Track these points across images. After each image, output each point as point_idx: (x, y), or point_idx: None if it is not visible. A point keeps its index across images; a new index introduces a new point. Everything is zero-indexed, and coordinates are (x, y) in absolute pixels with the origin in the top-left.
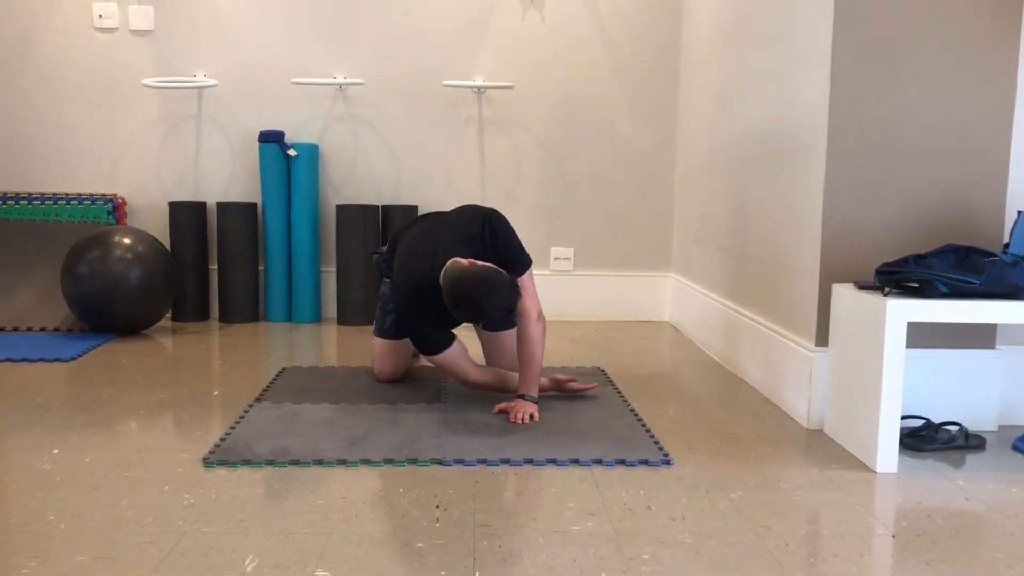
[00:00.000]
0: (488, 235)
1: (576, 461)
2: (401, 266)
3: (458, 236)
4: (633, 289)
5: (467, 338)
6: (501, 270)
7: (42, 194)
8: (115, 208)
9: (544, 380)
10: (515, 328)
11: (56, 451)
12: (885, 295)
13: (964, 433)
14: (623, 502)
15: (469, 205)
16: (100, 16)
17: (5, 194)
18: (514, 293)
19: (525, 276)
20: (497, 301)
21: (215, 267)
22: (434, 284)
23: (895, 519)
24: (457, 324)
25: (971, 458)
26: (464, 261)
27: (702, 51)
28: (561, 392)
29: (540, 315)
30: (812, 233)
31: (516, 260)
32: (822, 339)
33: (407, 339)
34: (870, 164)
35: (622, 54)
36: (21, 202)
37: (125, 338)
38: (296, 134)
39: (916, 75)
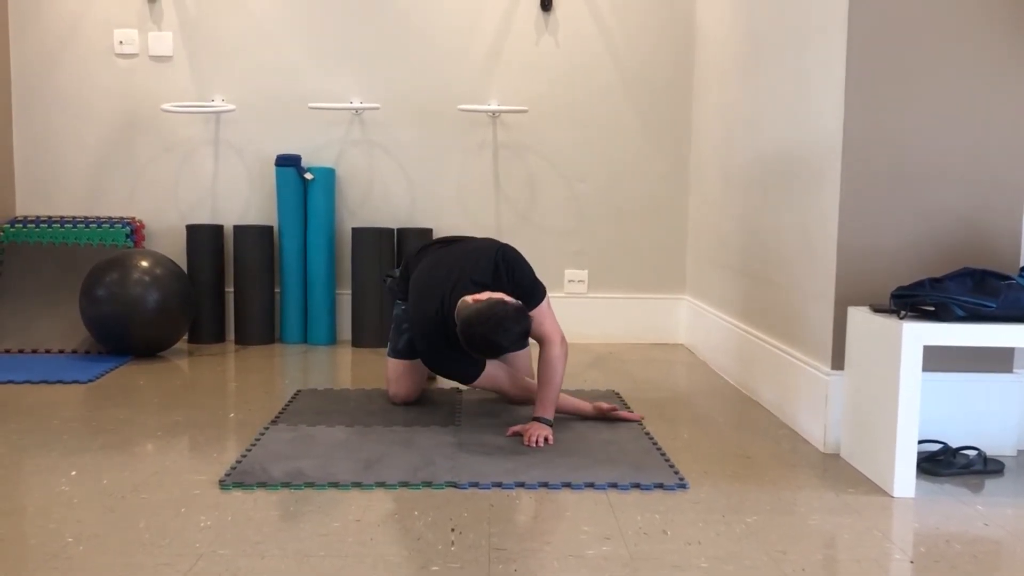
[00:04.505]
0: (504, 272)
1: (591, 485)
2: (415, 305)
3: (470, 274)
4: (647, 311)
5: None
6: (507, 299)
7: (61, 217)
8: (133, 231)
9: (588, 407)
10: (524, 349)
11: (74, 473)
12: (901, 318)
13: (982, 458)
14: (638, 526)
15: (480, 239)
16: (121, 42)
17: (25, 217)
18: (524, 319)
19: (544, 305)
20: (509, 334)
21: (231, 290)
22: (449, 323)
23: (913, 544)
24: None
25: (990, 483)
26: (470, 299)
27: (715, 74)
28: (605, 419)
29: (563, 340)
30: (827, 256)
31: (531, 293)
32: (838, 362)
33: (421, 360)
34: (885, 187)
35: (636, 78)
36: (41, 225)
37: (142, 360)
38: (312, 158)
39: (930, 98)
